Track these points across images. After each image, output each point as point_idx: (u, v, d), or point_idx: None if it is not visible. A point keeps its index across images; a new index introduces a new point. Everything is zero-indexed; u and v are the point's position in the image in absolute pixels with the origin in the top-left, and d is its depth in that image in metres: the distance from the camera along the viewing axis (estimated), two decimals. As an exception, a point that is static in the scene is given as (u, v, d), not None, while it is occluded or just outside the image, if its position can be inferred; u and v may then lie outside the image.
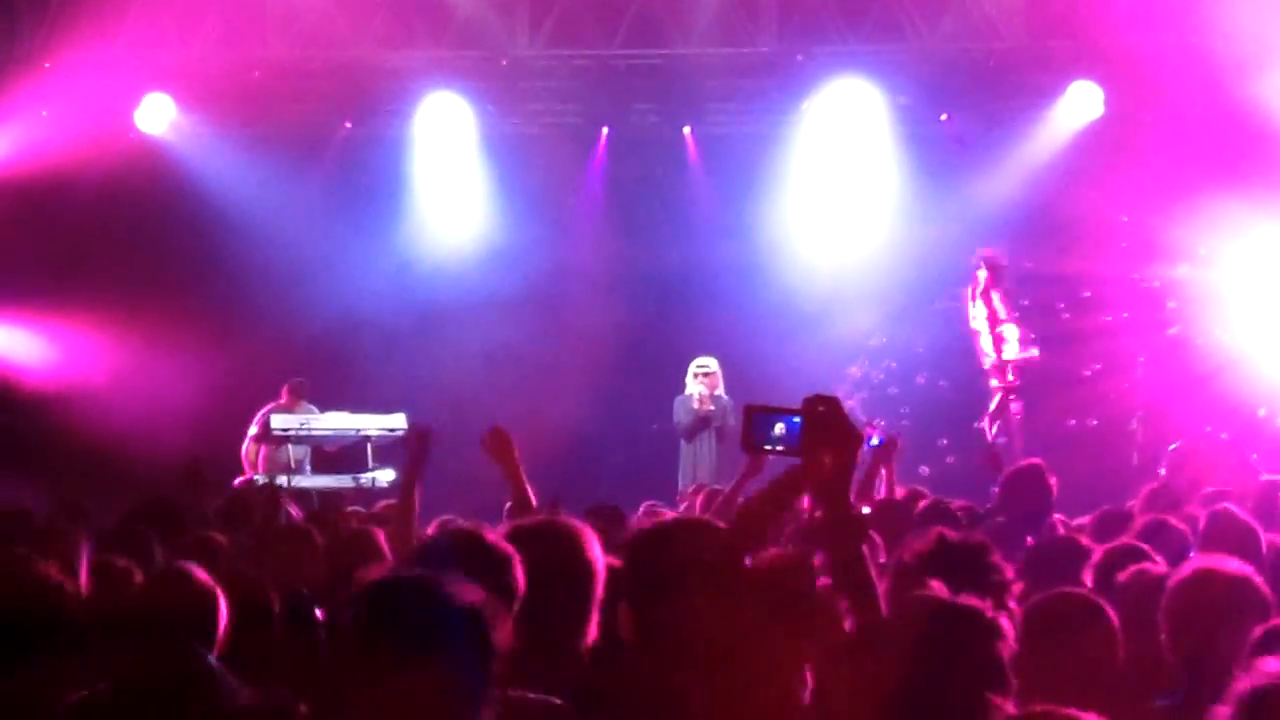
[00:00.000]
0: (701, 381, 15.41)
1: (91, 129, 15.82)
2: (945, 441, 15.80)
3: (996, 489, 9.00)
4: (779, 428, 4.06)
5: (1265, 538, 6.36)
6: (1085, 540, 7.09)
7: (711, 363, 15.50)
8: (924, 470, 14.83)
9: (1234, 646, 4.62)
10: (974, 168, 16.60)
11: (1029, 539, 7.56)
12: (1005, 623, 3.79)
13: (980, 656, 3.68)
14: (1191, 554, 6.28)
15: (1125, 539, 6.65)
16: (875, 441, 10.08)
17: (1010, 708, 3.54)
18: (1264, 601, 4.88)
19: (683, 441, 15.32)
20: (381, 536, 6.93)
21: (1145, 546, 6.29)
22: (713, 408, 15.25)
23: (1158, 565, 5.76)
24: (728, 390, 15.46)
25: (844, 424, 3.89)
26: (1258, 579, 4.94)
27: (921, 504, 8.68)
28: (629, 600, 3.87)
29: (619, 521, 7.22)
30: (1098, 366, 15.87)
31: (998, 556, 4.63)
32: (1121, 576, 5.55)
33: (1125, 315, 15.95)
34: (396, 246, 17.29)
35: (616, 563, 4.31)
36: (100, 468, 14.38)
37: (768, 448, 4.09)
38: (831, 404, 3.90)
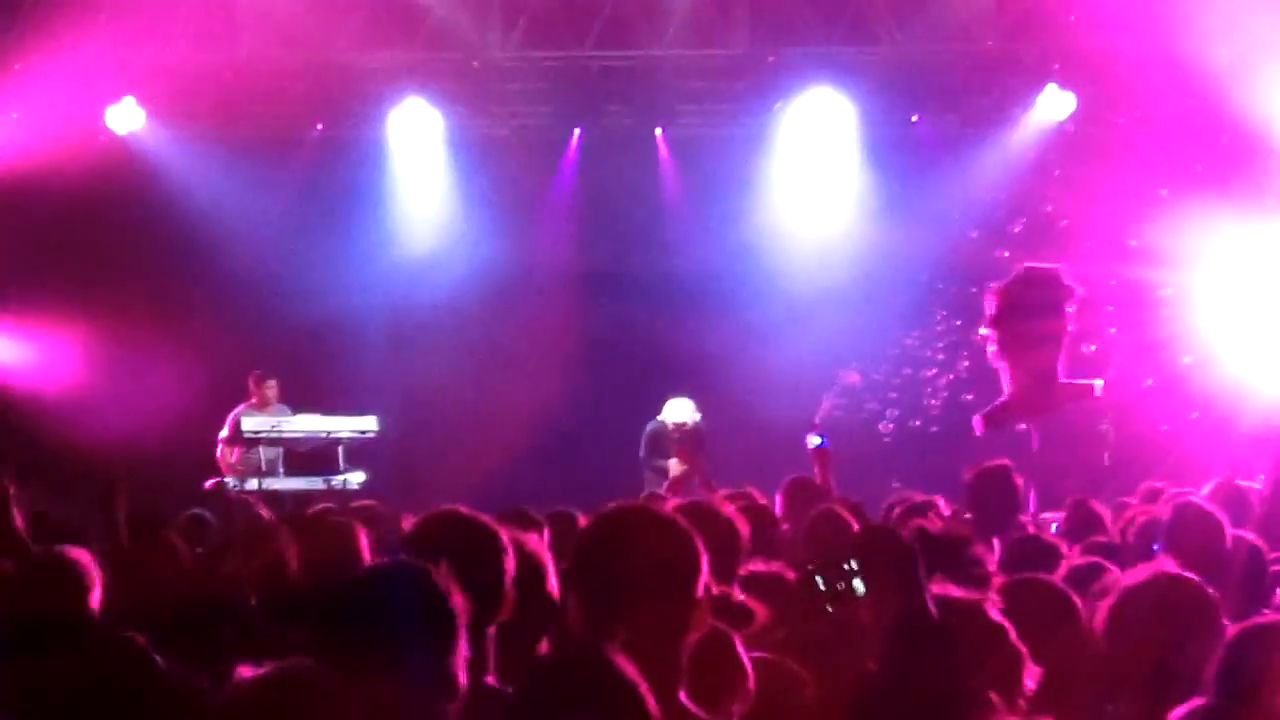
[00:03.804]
0: (676, 440, 14.83)
1: (62, 131, 15.74)
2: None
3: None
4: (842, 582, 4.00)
5: (1230, 533, 6.35)
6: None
7: (688, 419, 14.96)
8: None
9: (1189, 652, 4.60)
10: (946, 169, 16.65)
11: (995, 540, 7.58)
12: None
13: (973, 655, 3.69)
14: (1157, 547, 6.30)
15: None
16: (817, 442, 10.19)
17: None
18: (1212, 605, 4.85)
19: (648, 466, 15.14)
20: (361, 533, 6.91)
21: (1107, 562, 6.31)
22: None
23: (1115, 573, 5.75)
24: (698, 396, 15.39)
25: (898, 559, 3.86)
26: (1203, 585, 4.90)
27: (897, 508, 8.73)
28: (578, 596, 3.90)
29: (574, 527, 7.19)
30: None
31: (980, 549, 4.63)
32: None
33: (1098, 316, 15.98)
34: (369, 248, 17.26)
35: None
36: (71, 471, 14.32)
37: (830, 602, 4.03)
38: (884, 542, 3.86)
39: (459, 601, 3.80)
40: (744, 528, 5.98)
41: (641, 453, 15.01)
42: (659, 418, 14.99)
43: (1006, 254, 15.92)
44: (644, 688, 3.40)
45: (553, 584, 4.65)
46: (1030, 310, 11.42)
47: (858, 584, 3.80)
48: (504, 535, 4.45)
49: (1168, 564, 4.99)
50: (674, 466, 14.11)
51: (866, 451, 15.41)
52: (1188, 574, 4.86)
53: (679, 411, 14.88)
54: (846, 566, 3.85)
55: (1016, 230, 16.20)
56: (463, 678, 3.77)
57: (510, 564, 4.36)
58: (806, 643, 4.86)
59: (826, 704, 4.18)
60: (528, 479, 13.33)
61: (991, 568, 4.57)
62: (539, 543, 4.78)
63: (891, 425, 16.68)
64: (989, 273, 16.16)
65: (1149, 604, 4.76)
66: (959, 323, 16.41)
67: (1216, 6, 14.53)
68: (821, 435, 10.43)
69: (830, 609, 3.91)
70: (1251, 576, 6.09)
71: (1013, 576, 5.00)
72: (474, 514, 4.51)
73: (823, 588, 3.93)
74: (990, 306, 11.54)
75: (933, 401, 16.77)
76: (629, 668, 3.43)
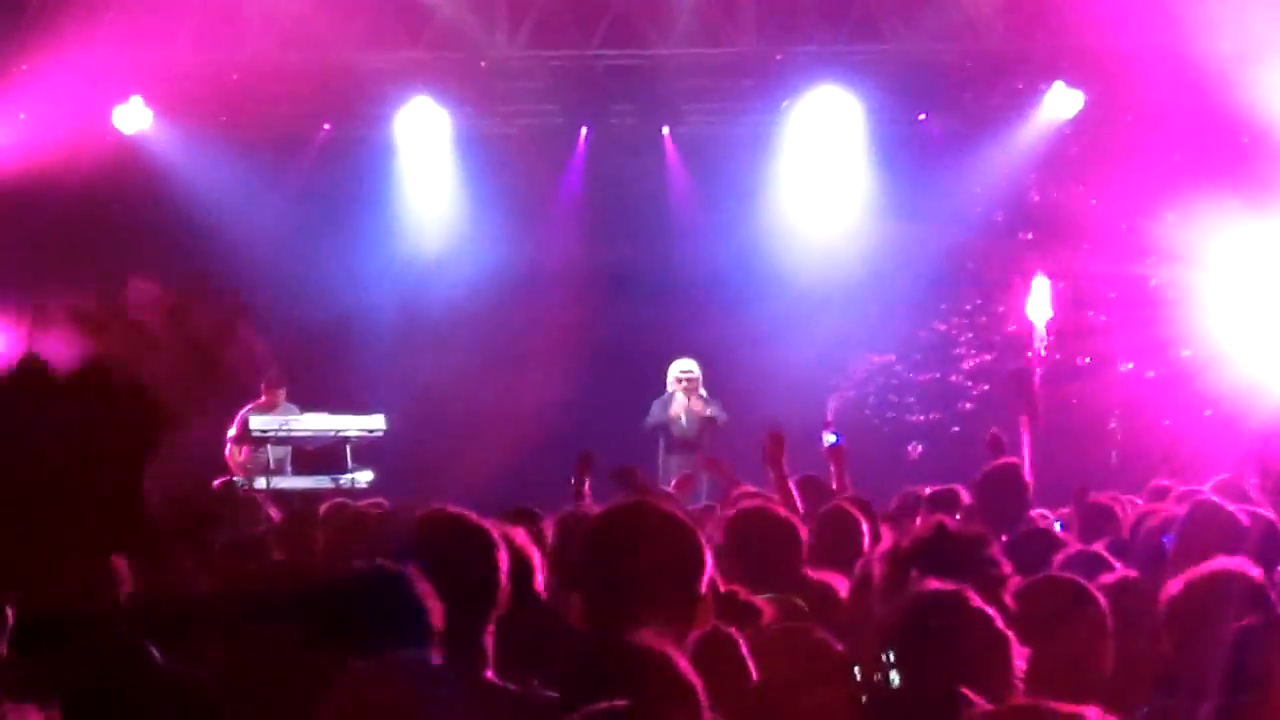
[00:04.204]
0: (684, 389, 15.35)
1: (69, 131, 15.76)
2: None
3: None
4: None
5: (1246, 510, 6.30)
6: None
7: (694, 367, 15.50)
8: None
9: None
10: (953, 167, 16.64)
11: (1004, 536, 7.56)
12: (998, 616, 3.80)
13: (962, 649, 3.69)
14: (1167, 539, 6.26)
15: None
16: (832, 440, 10.17)
17: (983, 703, 3.53)
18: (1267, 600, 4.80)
19: (661, 444, 15.31)
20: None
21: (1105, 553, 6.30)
22: (689, 417, 15.20)
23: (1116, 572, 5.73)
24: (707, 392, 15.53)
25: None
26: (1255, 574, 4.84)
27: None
28: (584, 593, 3.92)
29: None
30: (1087, 359, 15.91)
31: (996, 549, 4.62)
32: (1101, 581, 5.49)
33: (1103, 317, 15.99)
34: (376, 247, 17.28)
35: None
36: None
37: None
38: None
39: (433, 604, 3.85)
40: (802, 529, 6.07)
41: (650, 420, 15.29)
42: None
43: (1029, 235, 15.97)
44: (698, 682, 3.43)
45: (540, 578, 4.69)
46: None
47: (894, 675, 3.81)
48: (494, 531, 4.47)
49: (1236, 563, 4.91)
50: (677, 404, 14.75)
51: (884, 449, 15.47)
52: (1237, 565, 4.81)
53: (682, 364, 15.34)
54: (884, 657, 3.86)
55: (1024, 228, 16.22)
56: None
57: (504, 559, 4.39)
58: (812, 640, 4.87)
59: (829, 702, 4.18)
60: (536, 476, 13.32)
61: (1007, 569, 4.54)
62: (525, 537, 4.81)
63: (920, 448, 16.66)
64: (997, 270, 16.26)
65: (1214, 603, 4.69)
66: (972, 319, 16.46)
67: (1224, 3, 14.52)
68: (836, 433, 10.40)
69: (865, 698, 3.93)
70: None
71: (1029, 577, 4.98)
72: (463, 512, 4.53)
73: (859, 678, 3.95)
74: None
75: (965, 404, 16.76)
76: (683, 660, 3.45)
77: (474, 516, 4.50)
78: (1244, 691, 4.16)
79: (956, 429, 16.46)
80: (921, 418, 16.84)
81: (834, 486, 9.46)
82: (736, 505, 7.06)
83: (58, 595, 4.45)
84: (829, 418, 11.78)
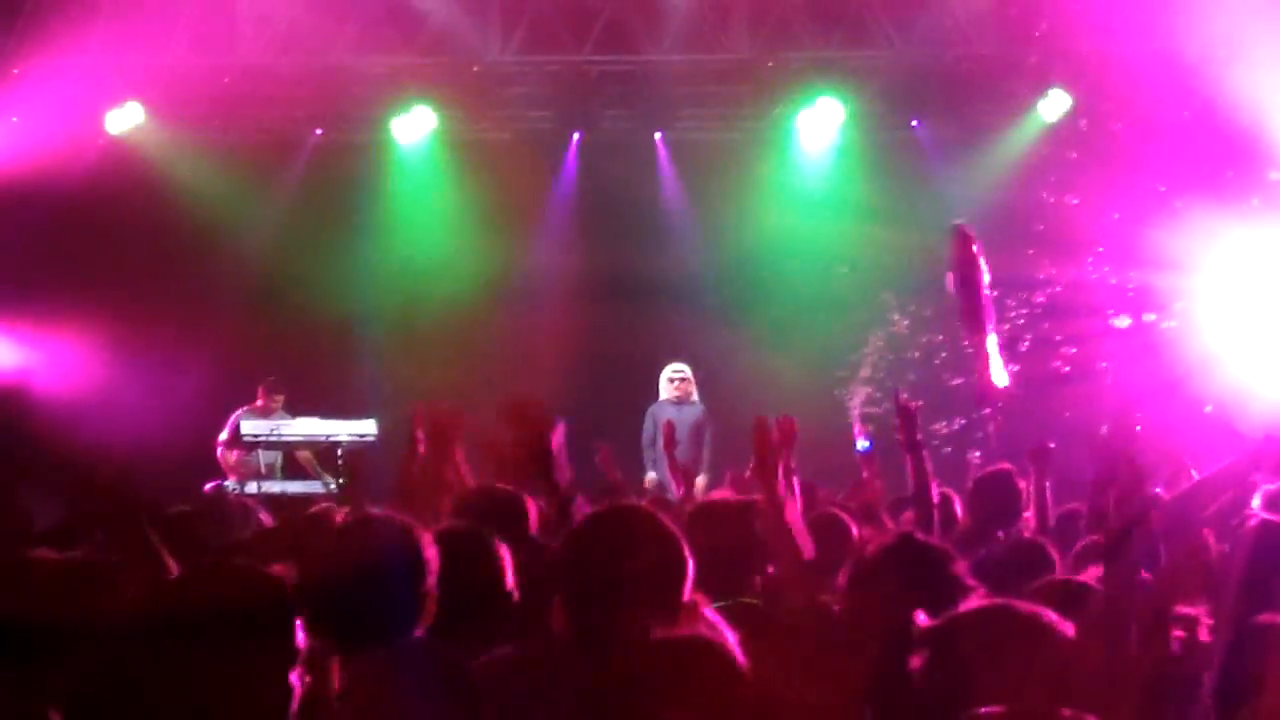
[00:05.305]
0: (677, 388, 15.43)
1: (62, 135, 15.74)
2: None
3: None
4: None
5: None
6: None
7: (685, 369, 15.55)
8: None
9: None
10: (945, 174, 16.65)
11: (999, 533, 7.55)
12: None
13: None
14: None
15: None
16: (865, 446, 10.05)
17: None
18: None
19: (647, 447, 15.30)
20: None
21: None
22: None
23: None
24: (699, 398, 15.54)
25: None
26: None
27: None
28: (565, 597, 3.92)
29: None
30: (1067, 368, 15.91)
31: (960, 567, 4.57)
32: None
33: (1098, 319, 15.99)
34: (368, 253, 17.26)
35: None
36: (67, 473, 14.29)
37: None
38: None
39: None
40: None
41: (644, 438, 15.28)
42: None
43: (1022, 241, 15.96)
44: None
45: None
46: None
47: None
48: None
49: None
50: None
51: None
52: None
53: (674, 366, 15.48)
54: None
55: (1017, 234, 16.21)
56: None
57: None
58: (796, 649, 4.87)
59: (825, 707, 4.17)
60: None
61: (970, 583, 4.49)
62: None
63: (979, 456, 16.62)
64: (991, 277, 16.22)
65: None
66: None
67: (1216, 9, 14.53)
68: (869, 439, 10.27)
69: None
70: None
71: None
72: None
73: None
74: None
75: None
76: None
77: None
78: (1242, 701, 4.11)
79: (937, 442, 16.43)
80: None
81: (867, 494, 9.33)
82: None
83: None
84: (859, 420, 11.63)
